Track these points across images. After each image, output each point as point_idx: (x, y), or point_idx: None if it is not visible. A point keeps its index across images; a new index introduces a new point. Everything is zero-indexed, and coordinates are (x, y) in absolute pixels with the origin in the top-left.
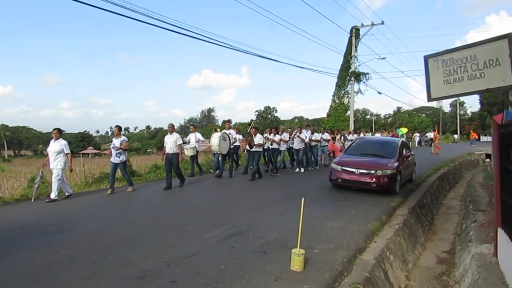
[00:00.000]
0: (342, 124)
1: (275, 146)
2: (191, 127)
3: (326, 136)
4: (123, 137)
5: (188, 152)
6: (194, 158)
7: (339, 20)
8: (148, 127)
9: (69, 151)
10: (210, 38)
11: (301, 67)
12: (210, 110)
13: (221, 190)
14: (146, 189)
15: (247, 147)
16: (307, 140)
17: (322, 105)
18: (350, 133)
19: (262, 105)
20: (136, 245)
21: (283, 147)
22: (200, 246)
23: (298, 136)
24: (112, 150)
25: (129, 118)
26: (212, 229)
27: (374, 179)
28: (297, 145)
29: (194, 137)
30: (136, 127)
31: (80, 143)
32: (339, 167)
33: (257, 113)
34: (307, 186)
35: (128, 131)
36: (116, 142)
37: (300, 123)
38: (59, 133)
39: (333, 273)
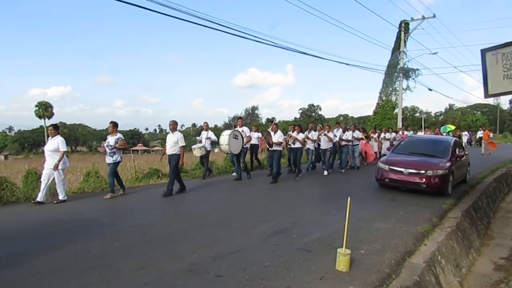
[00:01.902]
0: (389, 122)
1: (298, 145)
2: (205, 124)
3: (358, 134)
4: (119, 135)
5: (196, 152)
6: (204, 158)
7: (387, 14)
8: (194, 125)
9: (64, 149)
10: (257, 37)
11: (347, 64)
12: (254, 108)
13: (260, 189)
14: (190, 185)
15: (267, 146)
16: (336, 140)
17: (368, 102)
18: (387, 131)
19: (307, 103)
20: (183, 239)
21: (310, 146)
22: (245, 242)
23: (325, 135)
24: (106, 149)
25: (177, 116)
26: (256, 226)
27: (424, 179)
28: (324, 144)
29: (205, 136)
30: (182, 125)
31: (131, 140)
32: (387, 166)
33: (301, 111)
34: (352, 186)
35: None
36: (111, 140)
37: (344, 121)
38: (55, 129)
39: (380, 275)
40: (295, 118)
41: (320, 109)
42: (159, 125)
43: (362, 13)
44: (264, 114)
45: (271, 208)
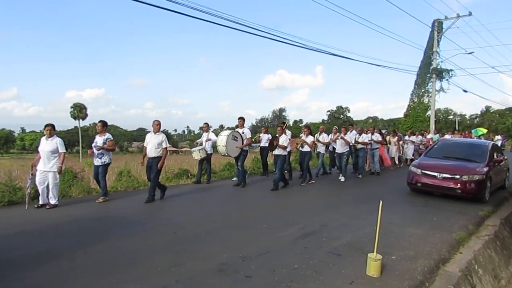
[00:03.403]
0: (421, 125)
1: (306, 148)
2: (204, 125)
3: (377, 137)
4: (107, 135)
5: (195, 155)
6: (204, 161)
7: (420, 14)
8: (221, 126)
9: (64, 150)
10: (286, 39)
11: (378, 65)
12: (281, 110)
13: (286, 193)
14: (220, 186)
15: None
16: (352, 143)
17: (399, 104)
18: (412, 133)
19: (335, 105)
20: (213, 238)
21: (321, 149)
22: (274, 244)
23: (342, 138)
24: (94, 149)
25: (205, 117)
26: (285, 228)
27: (459, 184)
28: (340, 148)
29: (205, 137)
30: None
31: None
32: (419, 170)
33: (328, 113)
34: (382, 189)
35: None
36: (99, 140)
37: (374, 123)
38: (54, 129)
39: (412, 282)
40: (323, 120)
41: (348, 111)
42: (187, 127)
43: (393, 13)
44: (291, 116)
45: (299, 211)
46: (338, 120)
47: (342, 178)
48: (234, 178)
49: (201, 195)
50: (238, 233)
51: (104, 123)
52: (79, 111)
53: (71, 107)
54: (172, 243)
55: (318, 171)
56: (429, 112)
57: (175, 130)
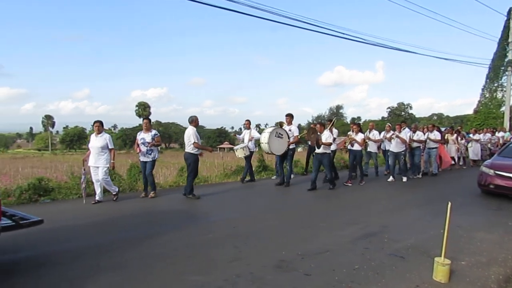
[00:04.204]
0: (494, 122)
1: (356, 147)
2: (246, 122)
3: (435, 135)
4: (154, 131)
5: (239, 153)
6: (248, 159)
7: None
8: (277, 124)
9: (112, 147)
10: (345, 34)
11: (446, 59)
12: (338, 107)
13: (345, 191)
14: (262, 184)
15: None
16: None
17: (468, 100)
18: (478, 131)
19: (396, 102)
20: (271, 235)
21: (372, 148)
22: (333, 243)
23: (397, 136)
24: (142, 146)
25: (262, 115)
26: (344, 227)
27: None
28: (395, 147)
29: (248, 135)
30: (266, 124)
31: (218, 138)
32: (492, 171)
33: (389, 110)
34: (448, 191)
35: (259, 127)
36: (147, 136)
37: (439, 121)
38: (102, 126)
39: None
40: (383, 117)
41: (410, 107)
42: (244, 124)
43: (462, 2)
44: (349, 114)
45: (358, 211)
46: (399, 117)
47: (390, 179)
48: (274, 177)
49: (249, 193)
50: (296, 230)
51: (149, 120)
52: (143, 109)
53: (136, 106)
54: (231, 238)
55: (368, 170)
56: (503, 108)
57: (232, 128)
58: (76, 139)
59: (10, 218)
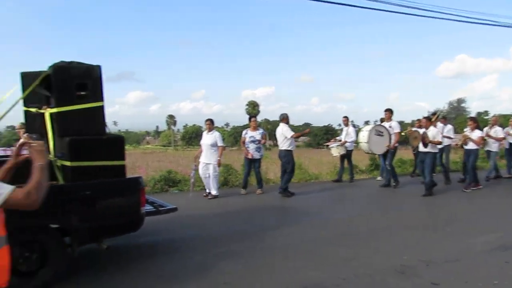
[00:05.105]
0: None
1: (471, 146)
2: (344, 119)
3: None
4: (260, 129)
5: (333, 151)
6: (344, 158)
7: None
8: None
9: (221, 144)
10: (469, 18)
11: None
12: (460, 101)
13: (468, 196)
14: (364, 185)
15: (420, 145)
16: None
17: None
18: None
19: None
20: (389, 237)
21: (493, 147)
22: (462, 252)
23: None
24: (252, 145)
25: (371, 112)
26: (475, 235)
27: None
28: None
29: (345, 132)
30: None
31: (324, 135)
32: None
33: None
34: None
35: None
36: (256, 134)
37: None
38: (212, 124)
39: None
40: (439, 110)
41: None
42: (352, 121)
43: None
44: (473, 108)
45: (496, 217)
46: None
47: None
48: (379, 178)
49: (353, 193)
50: (417, 234)
51: (256, 119)
52: (252, 108)
53: (246, 105)
54: (346, 236)
55: (488, 173)
56: None
57: (339, 125)
58: (194, 136)
59: (151, 204)
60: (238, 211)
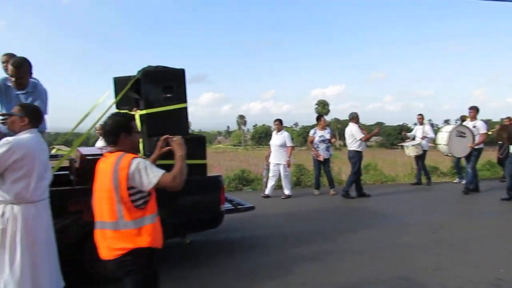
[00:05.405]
0: None
1: None
2: (419, 116)
3: None
4: (328, 128)
5: (410, 150)
6: (419, 158)
7: None
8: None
9: (290, 144)
10: None
11: None
12: None
13: None
14: (445, 189)
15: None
16: None
17: None
18: None
19: None
20: (478, 247)
21: None
22: None
23: None
24: (322, 144)
25: (452, 110)
26: None
27: None
28: None
29: (421, 132)
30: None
31: (398, 135)
32: None
33: None
34: None
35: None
36: (325, 133)
37: None
38: (281, 124)
39: None
40: None
41: None
42: (430, 120)
43: None
44: None
45: None
46: None
47: None
48: (463, 181)
49: (434, 197)
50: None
51: (322, 116)
52: (322, 107)
53: (316, 104)
54: (432, 244)
55: None
56: None
57: (415, 124)
58: (263, 136)
59: (229, 202)
60: (311, 212)
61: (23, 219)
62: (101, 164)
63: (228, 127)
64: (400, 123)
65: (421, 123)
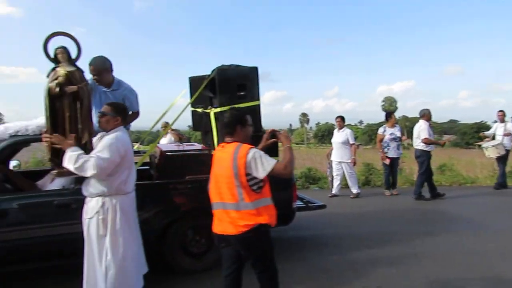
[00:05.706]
0: None
1: None
2: (499, 113)
3: None
4: (397, 126)
5: (490, 151)
6: (501, 159)
7: None
8: None
9: (353, 142)
10: None
11: None
12: None
13: None
14: None
15: None
16: None
17: None
18: None
19: None
20: None
21: None
22: None
23: None
24: (392, 143)
25: None
26: None
27: None
28: None
29: (502, 130)
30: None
31: (475, 134)
32: None
33: None
34: None
35: None
36: (395, 131)
37: None
38: (343, 121)
39: None
40: None
41: None
42: None
43: None
44: None
45: None
46: None
47: None
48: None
49: None
50: None
51: (392, 114)
52: (389, 104)
53: (382, 101)
54: None
55: None
56: None
57: (495, 122)
58: (326, 134)
59: (300, 200)
60: (382, 212)
61: (120, 208)
62: (218, 153)
63: (290, 125)
64: (477, 121)
65: (502, 121)
